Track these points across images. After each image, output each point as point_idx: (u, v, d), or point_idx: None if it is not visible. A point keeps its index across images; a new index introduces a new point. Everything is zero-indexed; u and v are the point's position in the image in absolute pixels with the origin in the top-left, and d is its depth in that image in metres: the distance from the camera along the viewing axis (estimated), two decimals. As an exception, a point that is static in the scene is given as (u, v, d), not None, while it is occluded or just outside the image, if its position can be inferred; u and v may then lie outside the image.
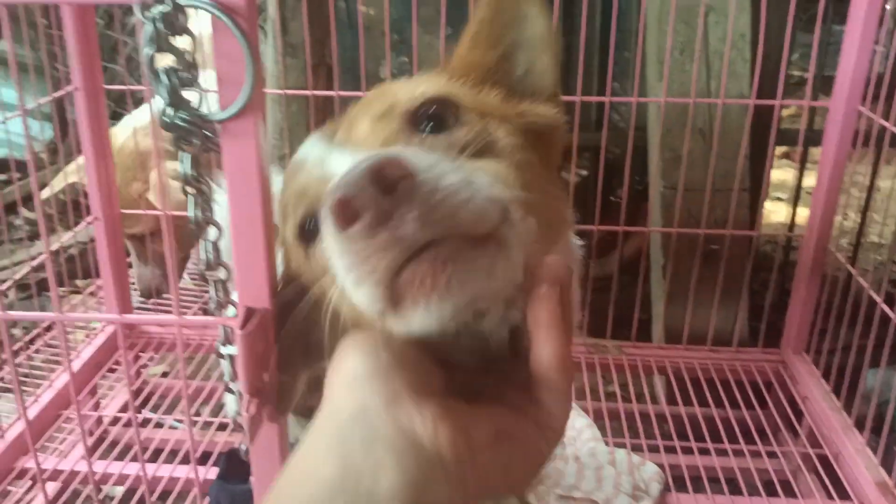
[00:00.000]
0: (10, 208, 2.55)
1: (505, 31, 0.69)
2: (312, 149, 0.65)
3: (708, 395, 1.52)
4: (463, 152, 0.57)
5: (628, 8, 2.24)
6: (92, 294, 1.99)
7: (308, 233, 0.64)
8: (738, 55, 1.69)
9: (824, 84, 1.76)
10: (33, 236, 2.68)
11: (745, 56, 1.69)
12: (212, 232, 0.69)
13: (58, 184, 1.73)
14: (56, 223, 1.72)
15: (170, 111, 0.63)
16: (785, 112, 2.53)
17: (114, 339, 1.61)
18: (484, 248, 0.50)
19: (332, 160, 0.61)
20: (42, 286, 1.96)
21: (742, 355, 1.62)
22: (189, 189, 0.67)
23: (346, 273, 0.50)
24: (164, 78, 0.62)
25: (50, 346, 1.72)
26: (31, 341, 1.80)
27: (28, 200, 2.59)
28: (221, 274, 0.70)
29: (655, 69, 1.75)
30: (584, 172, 2.70)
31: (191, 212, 0.67)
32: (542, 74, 0.70)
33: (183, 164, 0.66)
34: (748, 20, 1.69)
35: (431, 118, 0.61)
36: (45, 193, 1.70)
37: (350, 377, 0.50)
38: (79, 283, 2.31)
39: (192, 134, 0.64)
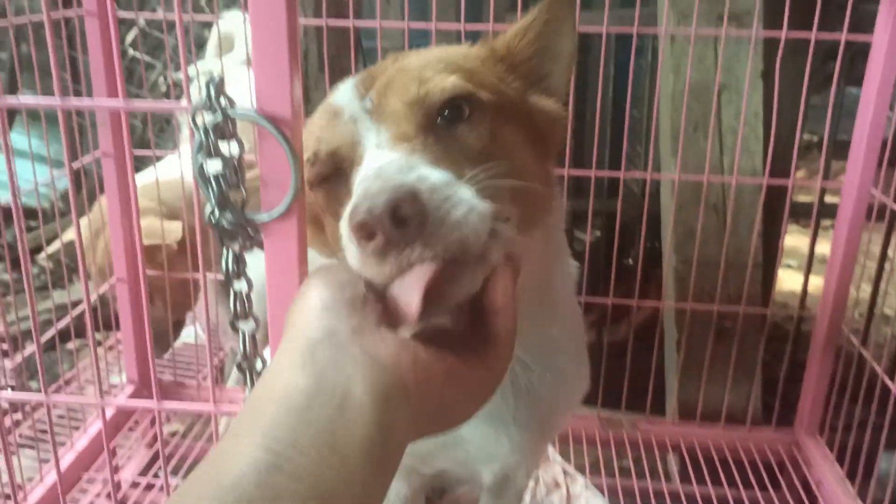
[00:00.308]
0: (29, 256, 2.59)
1: (547, 35, 0.81)
2: (348, 100, 0.73)
3: (721, 474, 1.51)
4: (472, 159, 0.67)
5: (639, 73, 2.30)
6: (111, 348, 2.01)
7: (330, 181, 0.72)
8: (751, 132, 1.73)
9: (837, 148, 1.78)
10: (51, 284, 2.71)
11: (757, 134, 1.73)
12: (250, 324, 0.72)
13: (84, 231, 1.76)
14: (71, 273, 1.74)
15: (216, 212, 0.66)
16: (798, 174, 2.55)
17: (134, 398, 1.64)
18: (470, 264, 0.58)
19: (364, 130, 0.69)
20: (63, 337, 1.99)
21: (755, 434, 1.62)
22: (231, 285, 0.70)
23: (355, 262, 0.59)
24: (213, 183, 0.65)
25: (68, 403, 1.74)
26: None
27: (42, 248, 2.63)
28: (258, 365, 0.73)
29: (669, 144, 1.78)
30: (598, 233, 2.73)
31: (231, 306, 0.70)
32: (559, 80, 0.82)
33: (225, 261, 0.69)
34: (761, 99, 1.74)
35: (451, 109, 0.70)
36: (68, 237, 1.73)
37: (319, 306, 0.55)
38: (97, 336, 2.33)
39: (236, 234, 0.67)
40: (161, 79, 2.97)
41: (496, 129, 0.72)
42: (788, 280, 2.83)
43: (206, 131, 0.63)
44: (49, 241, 1.97)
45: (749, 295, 1.64)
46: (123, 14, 1.60)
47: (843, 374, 1.51)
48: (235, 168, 0.66)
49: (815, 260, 2.04)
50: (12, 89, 3.25)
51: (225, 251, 0.68)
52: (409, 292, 0.56)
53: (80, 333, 1.84)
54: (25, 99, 0.66)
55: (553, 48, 0.81)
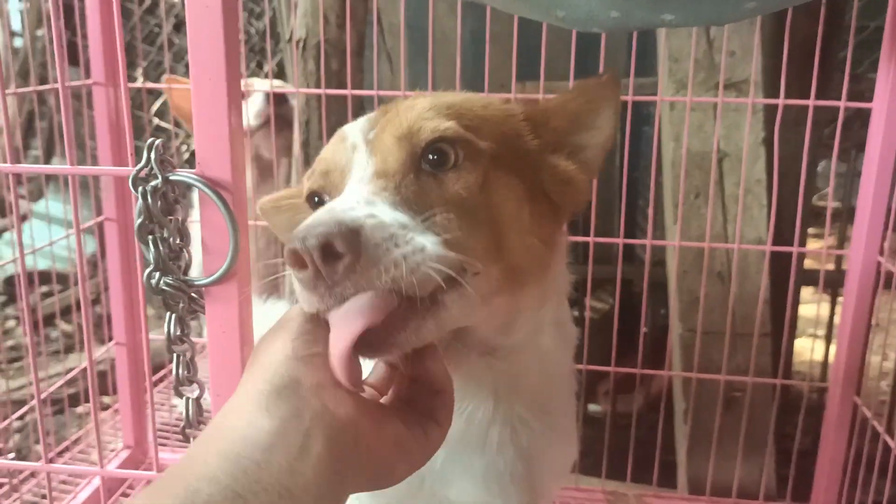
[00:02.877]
0: (48, 320, 2.64)
1: (587, 113, 0.83)
2: (357, 128, 0.74)
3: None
4: (453, 207, 0.66)
5: (649, 140, 2.30)
6: (116, 411, 2.01)
7: (314, 203, 0.75)
8: (754, 200, 1.70)
9: (850, 216, 1.74)
10: (68, 349, 2.75)
11: (761, 201, 1.69)
12: (194, 390, 0.71)
13: None
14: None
15: (156, 275, 0.66)
16: (811, 243, 2.48)
17: (129, 463, 1.64)
18: (421, 310, 0.59)
19: (357, 159, 0.70)
20: (73, 401, 2.00)
21: (769, 509, 1.54)
22: (174, 348, 0.69)
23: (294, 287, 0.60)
24: (151, 246, 0.65)
25: (67, 464, 1.73)
26: (51, 461, 1.82)
27: (66, 313, 2.68)
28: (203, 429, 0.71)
29: (671, 212, 1.76)
30: (609, 303, 2.68)
31: (175, 370, 0.70)
32: (593, 155, 0.83)
33: (168, 325, 0.68)
34: (763, 166, 1.71)
35: (437, 152, 0.70)
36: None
37: (289, 354, 0.57)
38: (106, 399, 2.34)
39: (177, 297, 0.67)
40: (185, 147, 3.07)
41: (491, 180, 0.71)
42: (815, 349, 2.73)
43: (144, 195, 0.63)
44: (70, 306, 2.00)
45: (758, 364, 1.59)
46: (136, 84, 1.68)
47: (861, 446, 1.44)
48: (180, 231, 0.67)
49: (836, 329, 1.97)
50: (48, 155, 3.40)
51: (167, 315, 0.68)
52: (338, 340, 0.57)
53: (88, 399, 1.85)
54: (36, 167, 0.69)
55: (592, 124, 0.83)
